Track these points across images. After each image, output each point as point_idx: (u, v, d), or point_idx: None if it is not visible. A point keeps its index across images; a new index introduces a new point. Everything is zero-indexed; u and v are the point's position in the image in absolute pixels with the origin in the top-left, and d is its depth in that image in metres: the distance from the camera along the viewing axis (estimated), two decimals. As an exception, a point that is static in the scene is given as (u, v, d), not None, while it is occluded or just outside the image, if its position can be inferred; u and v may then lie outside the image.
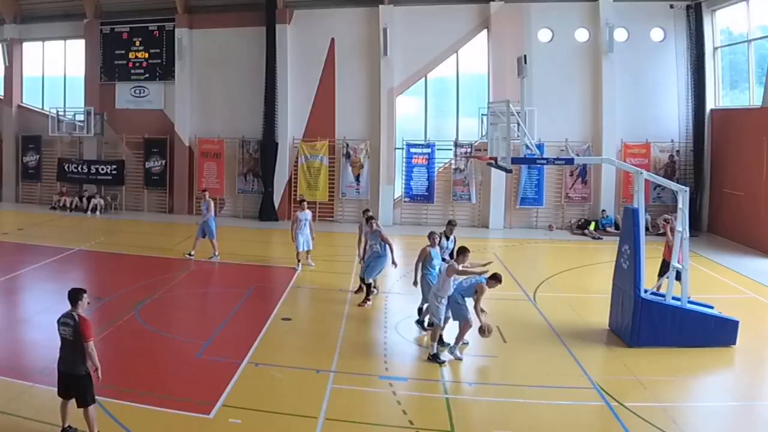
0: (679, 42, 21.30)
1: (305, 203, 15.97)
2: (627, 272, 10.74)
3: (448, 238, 12.09)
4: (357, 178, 22.90)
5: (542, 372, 9.50)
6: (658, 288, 11.31)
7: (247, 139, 23.58)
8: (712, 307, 10.82)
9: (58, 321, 6.93)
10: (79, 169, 25.05)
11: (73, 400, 6.95)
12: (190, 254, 16.32)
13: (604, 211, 21.47)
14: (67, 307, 6.94)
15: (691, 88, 21.16)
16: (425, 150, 22.59)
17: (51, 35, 25.98)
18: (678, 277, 10.66)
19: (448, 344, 9.98)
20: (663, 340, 10.31)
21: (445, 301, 9.86)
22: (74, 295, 6.97)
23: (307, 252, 15.64)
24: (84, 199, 24.54)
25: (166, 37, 24.29)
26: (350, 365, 9.53)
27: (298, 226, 15.23)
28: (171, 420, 7.68)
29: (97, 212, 24.05)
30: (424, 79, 22.83)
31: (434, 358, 9.65)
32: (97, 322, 11.25)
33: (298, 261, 15.47)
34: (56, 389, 7.02)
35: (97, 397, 7.96)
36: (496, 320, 11.54)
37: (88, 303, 7.12)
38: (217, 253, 16.26)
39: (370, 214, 13.79)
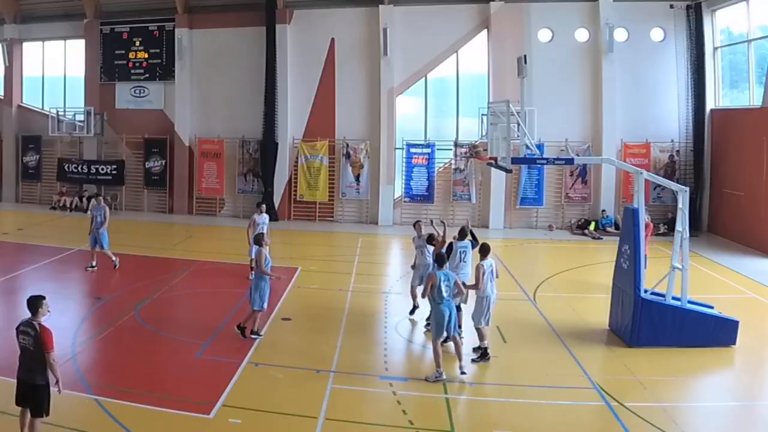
0: (679, 42, 21.31)
1: (264, 206, 15.32)
2: (627, 272, 10.74)
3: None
4: (357, 178, 22.89)
5: (542, 372, 9.50)
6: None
7: (247, 139, 23.58)
8: (712, 307, 10.82)
9: (17, 329, 6.62)
10: (79, 169, 25.04)
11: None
12: (92, 266, 14.92)
13: (604, 211, 21.47)
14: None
15: (691, 88, 21.17)
16: (425, 150, 22.59)
17: (51, 35, 25.98)
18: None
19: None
20: (663, 340, 10.31)
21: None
22: (34, 303, 6.59)
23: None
24: (84, 199, 24.53)
25: (166, 37, 24.28)
26: (350, 365, 9.53)
27: (255, 231, 14.26)
28: (171, 420, 7.68)
29: (98, 212, 24.02)
30: (424, 79, 22.83)
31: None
32: (97, 322, 11.32)
33: (252, 269, 14.49)
34: (15, 397, 6.74)
35: (97, 398, 8.02)
36: (496, 320, 11.54)
37: (49, 311, 6.75)
38: (114, 259, 15.05)
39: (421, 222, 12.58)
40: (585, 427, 8.05)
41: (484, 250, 10.14)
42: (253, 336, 10.55)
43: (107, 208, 15.23)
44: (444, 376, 8.98)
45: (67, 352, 9.45)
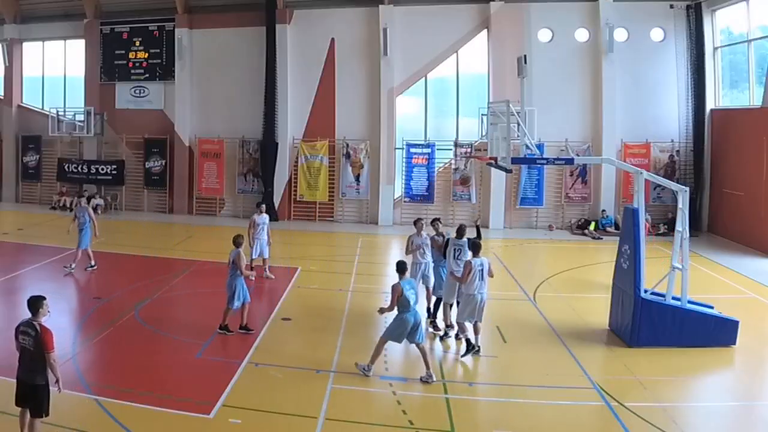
0: (679, 42, 21.31)
1: (263, 207, 15.30)
2: (627, 272, 10.75)
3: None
4: (357, 178, 22.90)
5: (542, 372, 9.50)
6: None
7: (247, 139, 23.58)
8: (712, 307, 10.82)
9: (17, 329, 6.64)
10: (79, 169, 25.05)
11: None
12: (91, 266, 14.84)
13: (604, 211, 21.48)
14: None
15: (691, 88, 21.17)
16: (425, 150, 22.59)
17: (51, 35, 25.99)
18: None
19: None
20: (663, 340, 10.32)
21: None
22: (34, 304, 6.62)
23: (264, 260, 14.65)
24: (84, 199, 24.50)
25: (166, 37, 24.29)
26: (350, 365, 9.51)
27: (255, 231, 14.43)
28: (171, 420, 7.68)
29: (98, 212, 24.01)
30: (424, 79, 22.84)
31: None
32: (97, 322, 11.31)
33: (252, 269, 14.27)
34: (14, 398, 6.74)
35: (97, 398, 8.02)
36: (496, 320, 11.58)
37: (49, 311, 6.78)
38: (93, 264, 14.87)
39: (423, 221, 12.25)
40: (585, 427, 8.05)
41: (476, 248, 10.13)
42: (241, 331, 10.65)
43: (90, 210, 15.18)
44: (371, 373, 9.04)
45: (67, 352, 9.45)
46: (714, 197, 21.29)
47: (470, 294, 9.94)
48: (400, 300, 8.92)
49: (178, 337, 10.74)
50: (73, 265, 14.71)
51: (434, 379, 8.99)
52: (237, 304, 10.68)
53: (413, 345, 9.26)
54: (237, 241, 10.91)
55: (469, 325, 10.07)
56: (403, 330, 9.02)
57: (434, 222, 11.93)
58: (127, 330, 10.94)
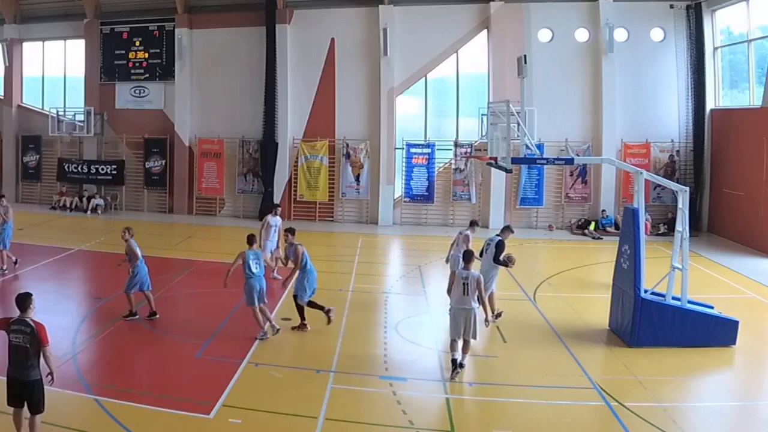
0: (679, 42, 21.31)
1: (279, 209, 15.30)
2: (627, 272, 10.75)
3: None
4: (357, 178, 22.89)
5: (542, 372, 9.50)
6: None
7: (247, 139, 23.58)
8: (712, 307, 10.82)
9: (8, 328, 6.57)
10: (79, 169, 25.05)
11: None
12: (2, 270, 14.45)
13: (604, 211, 21.47)
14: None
15: (691, 88, 21.17)
16: (425, 150, 22.59)
17: (51, 35, 26.00)
18: None
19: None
20: (663, 340, 10.32)
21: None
22: (24, 301, 6.64)
23: (277, 259, 14.43)
24: (84, 199, 24.54)
25: (166, 37, 24.29)
26: (350, 365, 9.53)
27: (267, 234, 14.39)
28: (171, 420, 7.68)
29: (98, 212, 24.05)
30: (424, 79, 22.83)
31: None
32: (97, 322, 11.32)
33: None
34: (6, 398, 6.66)
35: (97, 398, 8.03)
36: (496, 320, 11.56)
37: (35, 307, 6.77)
38: (5, 267, 14.47)
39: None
40: (585, 427, 8.05)
41: (466, 258, 9.44)
42: (151, 317, 11.34)
43: (10, 208, 14.92)
44: (268, 336, 10.42)
45: (67, 352, 9.44)
46: (714, 197, 21.29)
47: (452, 307, 9.26)
48: (244, 265, 10.35)
49: (178, 337, 10.74)
50: (5, 267, 14.47)
51: (267, 337, 10.38)
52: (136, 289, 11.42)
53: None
54: (131, 233, 11.75)
55: (458, 344, 9.20)
56: (252, 292, 10.40)
57: (287, 232, 11.53)
58: (127, 330, 10.94)
